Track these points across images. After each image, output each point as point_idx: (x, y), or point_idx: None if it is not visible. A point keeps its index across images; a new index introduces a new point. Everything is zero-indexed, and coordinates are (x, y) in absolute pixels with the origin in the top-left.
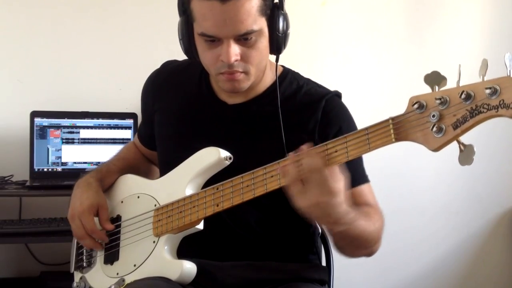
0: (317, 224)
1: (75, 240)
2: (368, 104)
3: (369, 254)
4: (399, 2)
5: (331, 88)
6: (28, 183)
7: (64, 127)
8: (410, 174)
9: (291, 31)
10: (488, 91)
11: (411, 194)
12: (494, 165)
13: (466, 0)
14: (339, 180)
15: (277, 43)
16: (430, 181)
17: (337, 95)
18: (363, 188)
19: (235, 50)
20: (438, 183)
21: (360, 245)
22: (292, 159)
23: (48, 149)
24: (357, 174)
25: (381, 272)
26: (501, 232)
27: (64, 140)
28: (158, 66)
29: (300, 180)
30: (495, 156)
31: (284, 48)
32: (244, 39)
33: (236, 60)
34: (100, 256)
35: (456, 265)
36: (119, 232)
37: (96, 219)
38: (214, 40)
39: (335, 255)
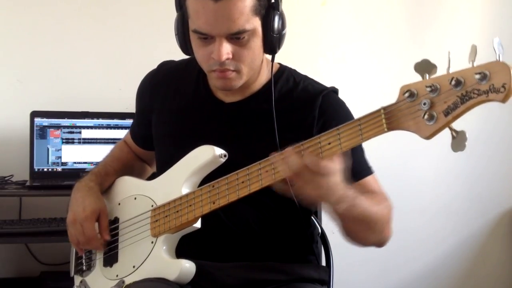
0: (317, 224)
1: None
2: (368, 103)
3: (380, 241)
4: (399, 2)
5: None
6: (28, 183)
7: (64, 127)
8: (410, 174)
9: (288, 31)
10: (478, 76)
11: (411, 194)
12: (494, 165)
13: (465, 0)
14: (333, 161)
15: (271, 43)
16: (430, 181)
17: (334, 91)
18: (368, 179)
19: (226, 48)
20: (438, 183)
21: (369, 227)
22: (284, 155)
23: (48, 149)
24: (360, 167)
25: (381, 272)
26: (501, 232)
27: (64, 140)
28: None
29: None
30: (495, 156)
31: (279, 48)
32: (236, 38)
33: (227, 59)
34: (99, 259)
35: (456, 265)
36: (117, 234)
37: (95, 224)
38: (207, 38)
39: (335, 255)
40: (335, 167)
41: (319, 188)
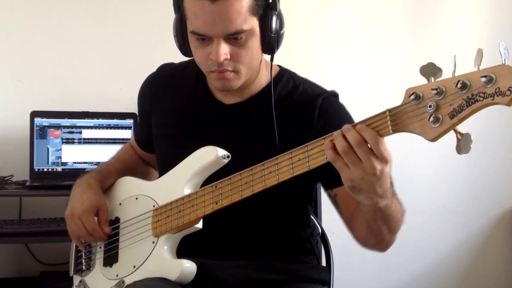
0: (317, 224)
1: (74, 244)
2: (368, 103)
3: (389, 244)
4: (399, 2)
5: (331, 87)
6: (28, 183)
7: (64, 127)
8: (410, 174)
9: (288, 31)
10: (483, 79)
11: (411, 194)
12: (494, 165)
13: (466, 0)
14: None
15: (270, 43)
16: (430, 181)
17: (334, 95)
18: None
19: (224, 49)
20: (438, 183)
21: (393, 227)
22: (336, 134)
23: (48, 149)
24: None
25: (381, 272)
26: (501, 232)
27: (64, 140)
28: (158, 66)
29: (350, 153)
30: (495, 156)
31: (278, 48)
32: (234, 38)
33: (225, 59)
34: (99, 258)
35: (456, 265)
36: (118, 234)
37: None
38: (204, 39)
39: (335, 255)
40: (390, 154)
41: (372, 174)
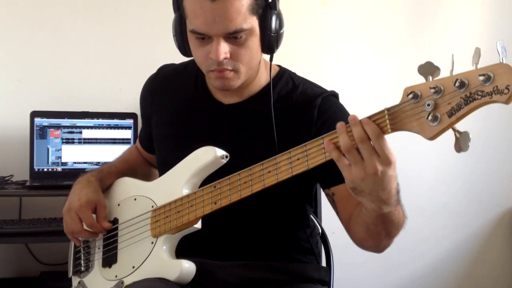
0: (317, 224)
1: (73, 245)
2: (367, 103)
3: (385, 246)
4: (399, 2)
5: (331, 87)
6: (28, 183)
7: (64, 127)
8: (410, 174)
9: (288, 31)
10: (481, 78)
11: (411, 194)
12: (494, 165)
13: (466, 0)
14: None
15: (269, 43)
16: (430, 181)
17: (334, 95)
18: None
19: (224, 48)
20: (438, 183)
21: (393, 233)
22: (340, 130)
23: (48, 149)
24: None
25: (381, 271)
26: (501, 232)
27: (64, 140)
28: (158, 66)
29: (353, 151)
30: (495, 156)
31: (277, 47)
32: (233, 37)
33: (225, 58)
34: (98, 259)
35: (456, 265)
36: (116, 235)
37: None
38: (204, 38)
39: (335, 255)
40: (394, 155)
41: (373, 174)
